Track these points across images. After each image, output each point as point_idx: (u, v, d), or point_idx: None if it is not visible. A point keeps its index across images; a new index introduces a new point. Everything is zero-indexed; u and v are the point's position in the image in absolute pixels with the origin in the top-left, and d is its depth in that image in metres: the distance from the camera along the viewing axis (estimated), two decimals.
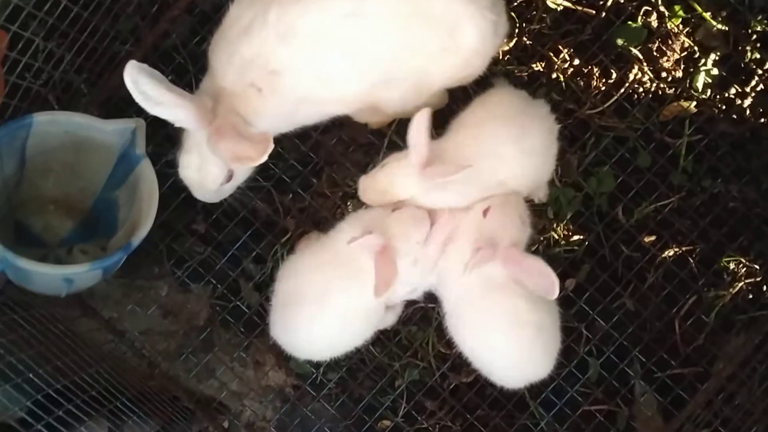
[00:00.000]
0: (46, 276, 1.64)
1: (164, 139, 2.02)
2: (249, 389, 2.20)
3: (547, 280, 1.58)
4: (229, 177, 1.76)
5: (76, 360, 1.78)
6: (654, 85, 2.21)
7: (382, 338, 2.15)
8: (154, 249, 2.11)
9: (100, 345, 1.97)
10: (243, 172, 1.82)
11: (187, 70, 2.12)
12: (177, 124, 1.64)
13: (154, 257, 2.13)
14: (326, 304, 1.72)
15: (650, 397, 2.09)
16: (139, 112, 1.67)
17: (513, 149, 1.75)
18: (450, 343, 2.13)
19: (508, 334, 1.71)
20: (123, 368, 1.95)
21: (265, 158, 1.53)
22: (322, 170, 2.16)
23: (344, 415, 2.16)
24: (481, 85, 1.96)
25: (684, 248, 2.17)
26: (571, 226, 2.16)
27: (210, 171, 1.72)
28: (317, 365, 2.16)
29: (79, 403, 1.70)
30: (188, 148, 1.72)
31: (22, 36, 1.70)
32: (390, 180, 1.71)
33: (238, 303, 2.15)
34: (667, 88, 2.21)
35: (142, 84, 1.53)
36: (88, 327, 1.99)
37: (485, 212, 1.72)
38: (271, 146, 1.55)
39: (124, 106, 2.01)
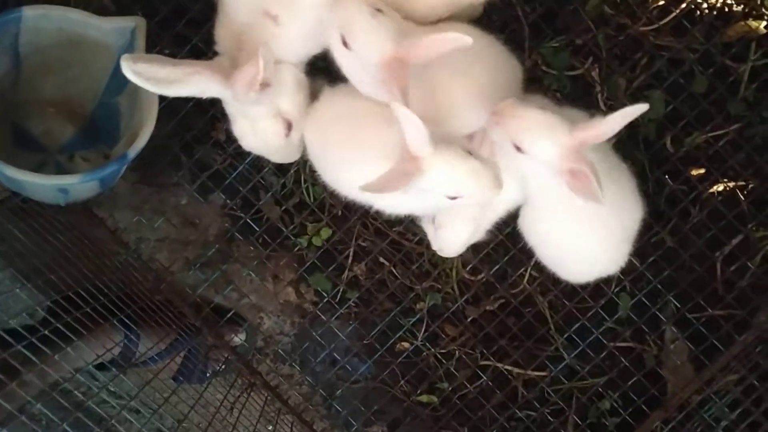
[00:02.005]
0: (39, 185, 1.58)
1: (173, 40, 1.91)
2: (267, 302, 2.18)
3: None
4: (289, 124, 1.62)
5: (90, 267, 1.76)
6: (720, 0, 1.98)
7: (404, 260, 2.07)
8: (173, 156, 2.04)
9: (110, 255, 1.94)
10: (299, 114, 1.64)
11: None
12: (204, 96, 1.50)
13: (174, 164, 2.06)
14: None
15: (681, 344, 1.99)
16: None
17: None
18: (475, 270, 2.06)
19: (593, 226, 1.61)
20: (131, 280, 1.92)
21: (261, 64, 1.40)
22: None
23: (363, 333, 2.11)
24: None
25: (735, 184, 2.00)
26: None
27: (265, 128, 1.59)
28: (336, 284, 2.11)
29: (97, 306, 1.68)
30: (232, 116, 1.61)
31: None
32: None
33: (256, 215, 2.08)
34: (734, 5, 1.98)
35: (146, 71, 1.40)
36: (97, 236, 1.95)
37: None
38: (261, 49, 1.41)
39: None
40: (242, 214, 2.09)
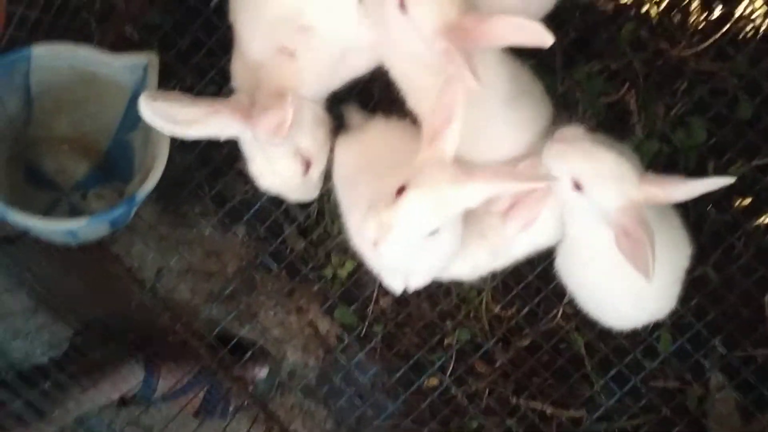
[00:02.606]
0: (44, 228, 1.54)
1: (193, 71, 1.88)
2: (291, 336, 2.12)
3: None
4: (307, 163, 1.56)
5: (108, 304, 1.73)
6: (766, 24, 1.88)
7: (433, 295, 2.00)
8: (196, 186, 2.01)
9: (126, 293, 1.91)
10: (318, 151, 1.58)
11: None
12: (223, 137, 1.46)
13: (197, 195, 2.03)
14: None
15: (728, 392, 1.86)
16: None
17: None
18: (506, 305, 1.97)
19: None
20: (147, 319, 1.89)
21: (290, 110, 1.35)
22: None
23: (390, 370, 2.04)
24: (554, 19, 1.70)
25: None
26: None
27: (283, 167, 1.53)
28: (363, 317, 2.04)
29: (117, 343, 1.66)
30: (250, 155, 1.55)
31: None
32: None
33: (280, 247, 2.03)
34: None
35: (165, 112, 1.35)
36: (114, 273, 1.92)
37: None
38: (291, 96, 1.36)
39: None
40: (267, 246, 2.04)
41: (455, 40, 1.18)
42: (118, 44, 1.88)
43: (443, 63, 1.19)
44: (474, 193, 1.22)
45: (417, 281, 1.63)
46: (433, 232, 1.25)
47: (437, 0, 1.20)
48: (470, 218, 1.41)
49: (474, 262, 1.55)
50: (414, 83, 1.38)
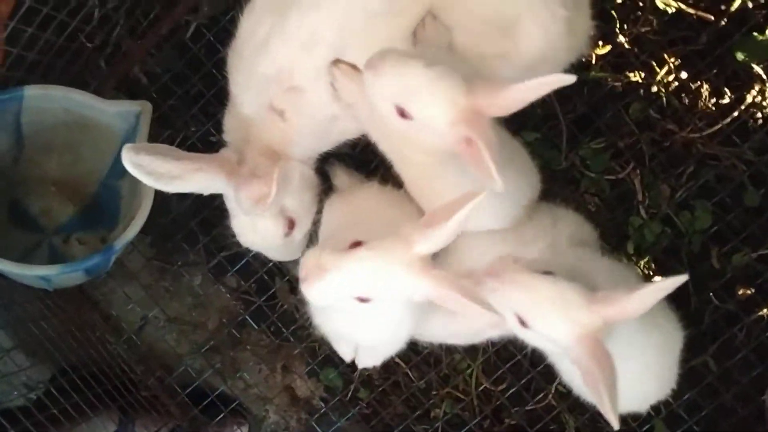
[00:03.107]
0: (18, 273, 1.51)
1: (191, 121, 1.87)
2: (274, 394, 2.06)
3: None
4: (291, 224, 1.54)
5: (83, 350, 1.69)
6: None
7: (421, 363, 1.94)
8: (189, 233, 1.98)
9: (102, 342, 1.86)
10: (303, 213, 1.56)
11: None
12: (206, 193, 1.45)
13: (190, 241, 1.99)
14: None
15: None
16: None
17: None
18: (498, 380, 1.91)
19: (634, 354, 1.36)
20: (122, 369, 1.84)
21: (275, 188, 1.32)
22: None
23: None
24: (560, 95, 1.69)
25: None
26: (653, 266, 1.86)
27: (265, 226, 1.51)
28: (349, 381, 1.98)
29: (90, 391, 1.61)
30: (233, 211, 1.53)
31: None
32: None
33: (270, 301, 2.00)
34: None
35: (147, 165, 1.33)
36: (91, 320, 1.88)
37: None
38: (278, 171, 1.34)
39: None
40: (256, 299, 1.99)
41: (473, 126, 1.13)
42: (124, 86, 1.90)
43: (461, 153, 1.15)
44: (420, 289, 1.17)
45: (365, 360, 1.63)
46: (363, 300, 1.19)
47: (443, 96, 1.15)
48: None
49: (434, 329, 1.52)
50: (405, 158, 1.35)
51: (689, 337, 1.54)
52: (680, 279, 1.15)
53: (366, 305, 1.20)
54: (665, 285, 1.15)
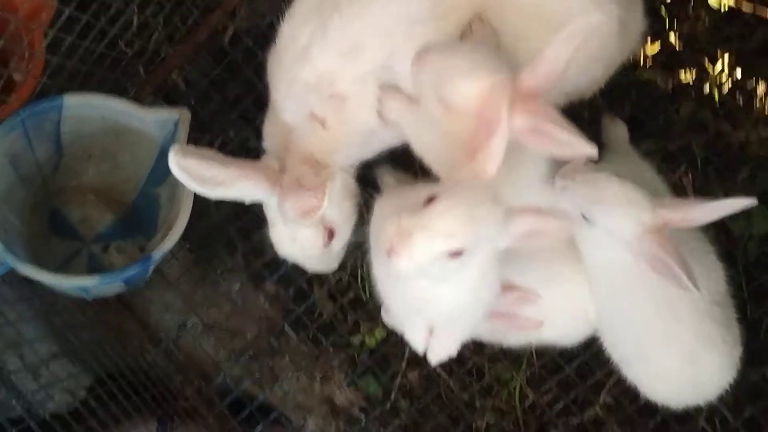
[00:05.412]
0: (56, 283, 1.50)
1: (228, 128, 1.85)
2: (313, 403, 2.02)
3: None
4: (331, 234, 1.51)
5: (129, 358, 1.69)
6: None
7: (463, 375, 1.89)
8: (229, 239, 1.96)
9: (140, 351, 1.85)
10: (343, 222, 1.53)
11: None
12: (247, 201, 1.43)
13: (229, 248, 1.98)
14: None
15: None
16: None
17: None
18: (543, 392, 1.85)
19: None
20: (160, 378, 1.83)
21: (327, 201, 1.29)
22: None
23: None
24: (608, 96, 1.63)
25: None
26: None
27: (305, 237, 1.48)
28: (388, 391, 1.94)
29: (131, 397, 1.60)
30: (272, 220, 1.51)
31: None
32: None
33: (309, 309, 1.97)
34: None
35: (193, 168, 1.31)
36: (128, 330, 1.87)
37: None
38: (330, 184, 1.31)
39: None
40: (295, 307, 1.96)
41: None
42: (163, 92, 1.89)
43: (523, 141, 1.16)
44: (507, 220, 1.14)
45: (440, 346, 1.50)
46: (457, 254, 1.12)
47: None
48: None
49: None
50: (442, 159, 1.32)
51: (746, 349, 1.48)
52: (748, 201, 1.24)
53: (455, 264, 1.13)
54: (730, 203, 1.24)
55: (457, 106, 1.18)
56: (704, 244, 1.46)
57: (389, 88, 1.36)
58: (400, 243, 1.08)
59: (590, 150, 1.12)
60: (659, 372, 1.46)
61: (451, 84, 1.17)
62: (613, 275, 1.37)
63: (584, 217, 1.28)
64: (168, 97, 1.91)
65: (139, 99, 1.69)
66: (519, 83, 1.15)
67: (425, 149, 1.33)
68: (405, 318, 1.37)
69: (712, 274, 1.44)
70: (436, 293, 1.22)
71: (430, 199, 1.12)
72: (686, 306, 1.36)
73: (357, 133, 1.42)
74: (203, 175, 1.31)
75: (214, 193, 1.34)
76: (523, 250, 1.41)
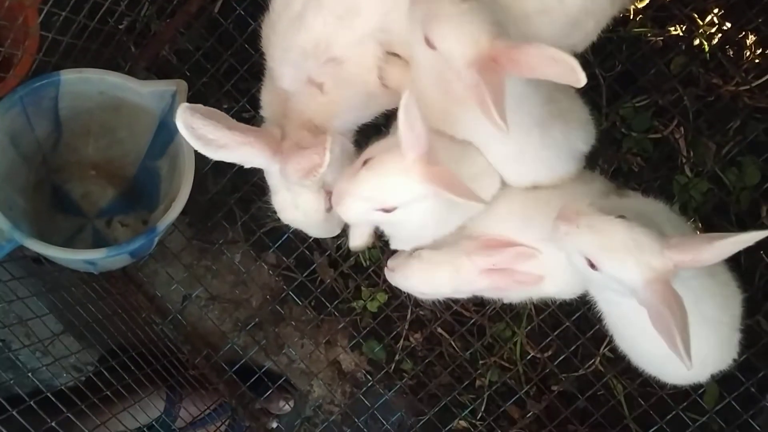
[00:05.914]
0: (63, 257, 1.52)
1: (224, 98, 1.86)
2: (318, 369, 2.06)
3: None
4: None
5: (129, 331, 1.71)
6: None
7: (465, 333, 1.92)
8: (228, 211, 1.97)
9: (147, 324, 1.87)
10: None
11: None
12: (247, 166, 1.42)
13: (229, 220, 1.99)
14: None
15: None
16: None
17: None
18: (544, 347, 1.89)
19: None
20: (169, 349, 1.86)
21: (328, 157, 1.30)
22: None
23: (418, 409, 1.96)
24: (600, 52, 1.64)
25: None
26: (701, 225, 1.81)
27: (307, 201, 1.47)
28: (392, 353, 1.97)
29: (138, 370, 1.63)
30: (274, 187, 1.50)
31: None
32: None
33: (310, 276, 1.99)
34: None
35: (199, 128, 1.30)
36: (135, 303, 1.89)
37: None
38: (330, 139, 1.31)
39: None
40: (297, 275, 1.99)
41: (485, 74, 1.10)
42: (155, 66, 1.89)
43: (471, 97, 1.12)
44: (420, 189, 1.22)
45: (396, 245, 1.57)
46: (386, 210, 1.27)
47: (465, 31, 1.13)
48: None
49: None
50: (438, 110, 1.33)
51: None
52: (762, 233, 1.12)
53: (393, 213, 1.27)
54: (745, 237, 1.12)
55: (441, 51, 1.17)
56: (724, 269, 1.40)
57: (390, 57, 1.36)
58: (336, 204, 1.30)
59: (502, 130, 1.07)
60: (669, 373, 1.49)
61: (437, 35, 1.16)
62: (622, 307, 1.33)
63: (590, 264, 1.20)
64: (161, 71, 1.91)
65: (132, 74, 1.68)
66: (497, 44, 1.12)
67: (426, 108, 1.35)
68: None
69: (729, 301, 1.39)
70: (389, 220, 1.33)
71: (365, 162, 1.25)
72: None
73: (355, 96, 1.42)
74: (207, 136, 1.31)
75: (215, 155, 1.34)
76: (522, 207, 1.45)
